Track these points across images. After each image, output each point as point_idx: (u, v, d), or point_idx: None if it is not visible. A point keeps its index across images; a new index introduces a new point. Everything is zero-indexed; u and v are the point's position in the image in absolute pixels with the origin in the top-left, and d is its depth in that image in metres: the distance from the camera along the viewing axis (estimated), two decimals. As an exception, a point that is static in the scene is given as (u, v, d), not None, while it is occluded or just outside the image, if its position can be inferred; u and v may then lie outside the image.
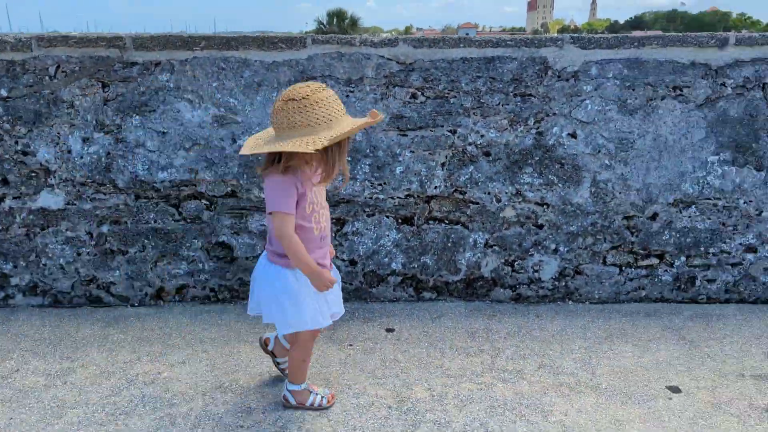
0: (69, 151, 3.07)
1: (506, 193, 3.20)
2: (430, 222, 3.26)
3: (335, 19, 46.92)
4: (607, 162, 3.15)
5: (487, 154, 3.14)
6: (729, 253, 3.29)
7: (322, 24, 46.87)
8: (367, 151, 3.14)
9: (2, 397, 2.51)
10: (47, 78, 2.99)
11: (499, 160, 3.15)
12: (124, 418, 2.37)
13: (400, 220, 3.25)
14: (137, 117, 3.04)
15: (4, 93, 3.00)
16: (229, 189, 3.16)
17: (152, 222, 3.19)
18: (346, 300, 3.33)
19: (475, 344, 2.93)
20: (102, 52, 2.97)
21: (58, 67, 2.98)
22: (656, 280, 3.33)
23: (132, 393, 2.53)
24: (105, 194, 3.14)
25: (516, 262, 3.32)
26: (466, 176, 3.18)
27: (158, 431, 2.30)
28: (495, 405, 2.46)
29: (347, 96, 3.05)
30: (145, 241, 3.21)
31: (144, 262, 3.24)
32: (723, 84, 3.05)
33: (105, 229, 3.19)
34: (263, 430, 2.30)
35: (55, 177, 3.11)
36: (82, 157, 3.09)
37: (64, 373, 2.67)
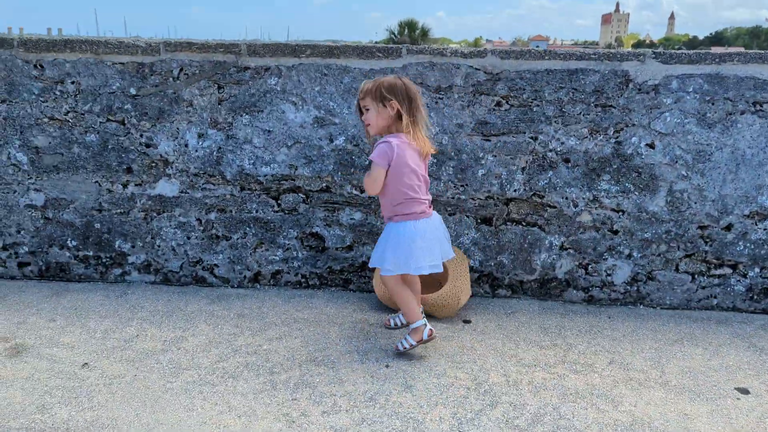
0: (186, 145, 3.45)
1: (583, 198, 3.37)
2: (508, 223, 3.46)
3: (406, 30, 47.31)
4: (683, 173, 3.28)
5: (567, 160, 3.32)
6: (805, 266, 3.34)
7: (393, 34, 47.37)
8: (452, 153, 3.37)
9: (127, 357, 2.87)
10: (171, 79, 3.37)
11: (577, 167, 3.32)
12: (232, 381, 2.68)
13: (479, 220, 3.47)
14: (247, 116, 3.39)
15: (133, 91, 3.40)
16: (324, 184, 3.47)
17: (254, 212, 3.53)
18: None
19: (548, 339, 3.11)
20: (220, 57, 3.33)
21: (181, 69, 3.36)
22: (728, 289, 3.42)
23: (237, 360, 2.85)
24: (214, 185, 3.50)
25: (590, 265, 3.47)
26: (545, 181, 3.37)
27: (262, 393, 2.59)
28: (567, 393, 2.64)
29: (436, 102, 3.30)
30: (247, 228, 3.55)
31: (245, 247, 3.58)
32: (804, 100, 3.13)
33: (212, 216, 3.55)
34: (354, 399, 2.56)
35: (172, 168, 3.49)
36: (196, 151, 3.45)
37: (178, 341, 3.02)
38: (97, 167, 3.51)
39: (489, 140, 3.34)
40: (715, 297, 3.44)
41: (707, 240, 3.36)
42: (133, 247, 3.63)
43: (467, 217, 3.47)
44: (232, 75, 3.34)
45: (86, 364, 2.80)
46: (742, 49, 3.52)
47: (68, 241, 3.64)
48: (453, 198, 3.45)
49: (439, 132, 3.34)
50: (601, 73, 3.21)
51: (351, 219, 3.51)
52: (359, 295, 3.59)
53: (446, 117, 3.32)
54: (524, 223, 3.46)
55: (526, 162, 3.36)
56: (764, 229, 3.32)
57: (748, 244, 3.35)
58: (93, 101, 3.42)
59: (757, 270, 3.38)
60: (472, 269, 3.53)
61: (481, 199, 3.44)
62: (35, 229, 3.63)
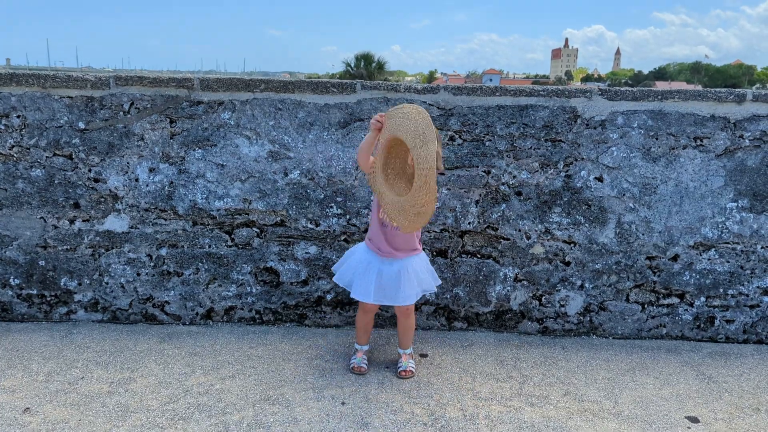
0: (136, 180, 3.38)
1: (536, 230, 3.43)
2: (463, 255, 3.49)
3: (363, 63, 47.74)
4: (631, 205, 3.37)
5: (519, 193, 3.38)
6: (747, 295, 3.46)
7: (350, 66, 47.75)
8: (407, 187, 3.39)
9: (71, 401, 2.75)
10: (122, 113, 3.31)
11: (529, 200, 3.38)
12: (183, 423, 2.60)
13: (434, 253, 3.49)
14: (199, 150, 3.35)
15: (81, 125, 3.32)
16: (278, 219, 3.43)
17: (207, 247, 3.46)
18: (381, 326, 3.56)
19: (504, 371, 3.12)
20: (172, 92, 3.30)
21: (132, 103, 3.30)
22: (677, 318, 3.51)
23: (188, 401, 2.76)
24: (166, 220, 3.43)
25: (543, 297, 3.52)
26: (498, 214, 3.42)
27: (214, 436, 2.52)
28: (523, 426, 2.64)
29: (391, 137, 3.32)
30: (199, 264, 3.48)
31: (197, 283, 3.51)
32: (741, 136, 3.28)
33: (163, 251, 3.46)
34: (310, 439, 2.50)
35: (122, 203, 3.41)
36: (147, 185, 3.39)
37: (126, 382, 2.91)
38: (43, 203, 3.40)
39: (443, 174, 3.38)
40: (665, 326, 3.52)
41: (655, 270, 3.45)
42: (79, 284, 3.51)
43: (423, 250, 3.47)
44: (184, 109, 3.31)
45: (28, 408, 2.67)
46: (685, 85, 3.69)
47: (11, 280, 3.50)
48: (408, 231, 3.45)
49: (394, 166, 3.36)
50: (551, 109, 3.30)
51: (306, 253, 3.48)
52: (315, 330, 3.54)
53: (401, 151, 3.34)
54: (479, 255, 3.49)
55: (480, 195, 3.41)
56: (708, 260, 3.43)
57: (694, 274, 3.45)
58: (39, 135, 3.33)
59: (702, 299, 3.48)
60: (428, 302, 3.54)
61: (436, 231, 3.46)
62: (-25, 267, 3.48)
